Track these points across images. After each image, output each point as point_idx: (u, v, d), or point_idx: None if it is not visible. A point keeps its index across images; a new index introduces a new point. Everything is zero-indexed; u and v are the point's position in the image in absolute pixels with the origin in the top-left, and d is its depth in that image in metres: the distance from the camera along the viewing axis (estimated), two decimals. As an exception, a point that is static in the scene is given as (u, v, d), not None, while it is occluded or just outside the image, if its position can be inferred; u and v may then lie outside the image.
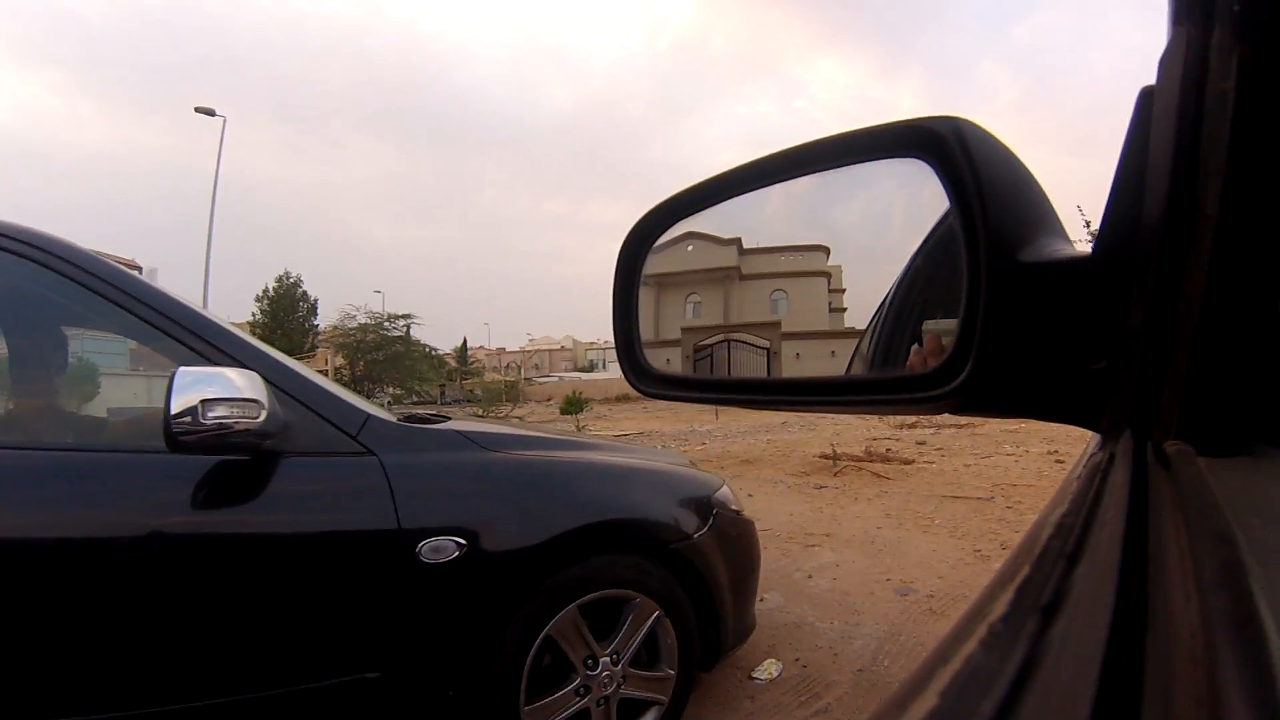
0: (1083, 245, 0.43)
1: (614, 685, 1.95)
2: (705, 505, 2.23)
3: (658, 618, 2.01)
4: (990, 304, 0.40)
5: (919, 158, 0.49)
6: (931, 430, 10.56)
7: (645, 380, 0.74)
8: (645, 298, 0.84)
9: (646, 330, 0.84)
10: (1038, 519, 0.56)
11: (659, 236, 0.72)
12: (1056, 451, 7.55)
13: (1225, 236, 0.32)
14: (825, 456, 7.61)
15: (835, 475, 6.83)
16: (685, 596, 2.06)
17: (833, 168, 0.57)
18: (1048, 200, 0.46)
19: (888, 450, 7.71)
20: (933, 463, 7.34)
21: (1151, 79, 0.39)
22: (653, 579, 2.00)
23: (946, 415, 0.54)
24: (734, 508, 2.37)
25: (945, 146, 0.45)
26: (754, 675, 2.55)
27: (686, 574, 2.07)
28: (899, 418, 10.01)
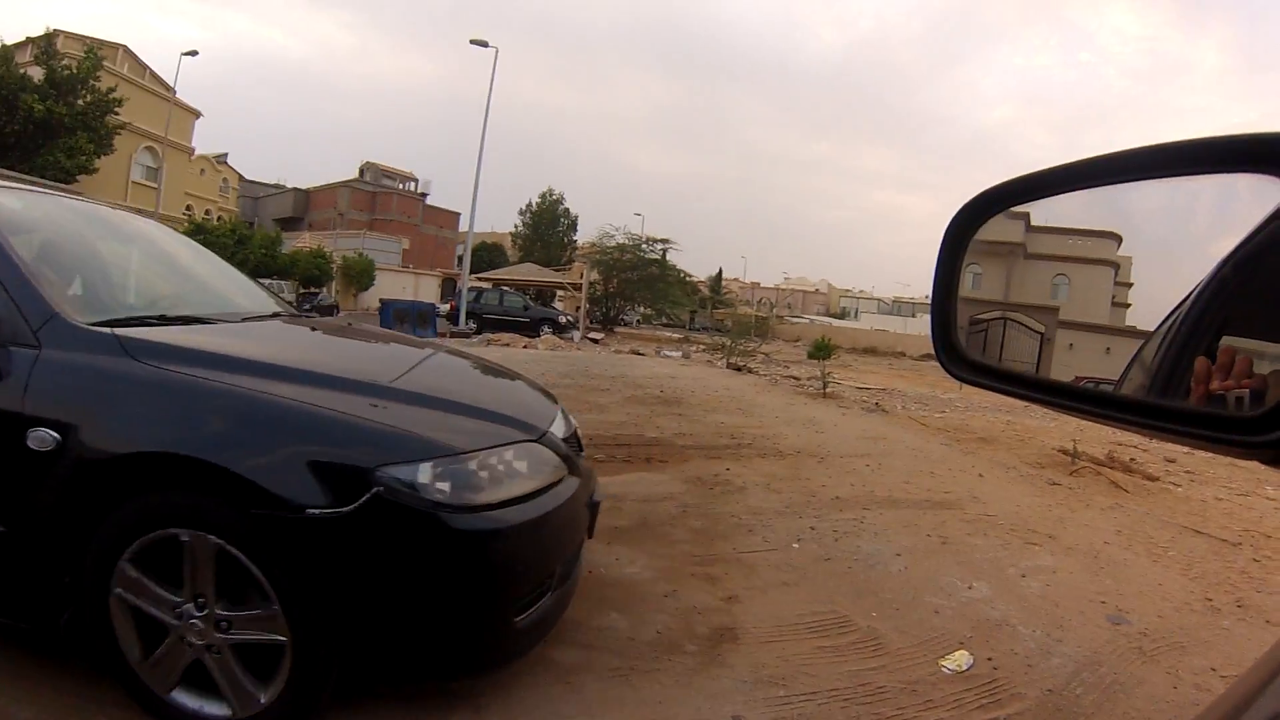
0: None
1: (213, 629, 1.70)
2: (354, 477, 1.66)
3: (221, 547, 1.66)
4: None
5: (1274, 175, 0.47)
6: (1184, 449, 8.78)
7: (957, 364, 0.75)
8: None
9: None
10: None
11: (985, 221, 0.73)
12: (1328, 508, 5.90)
13: None
14: (1064, 452, 6.76)
15: (1071, 474, 6.09)
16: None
17: (1171, 177, 0.55)
18: None
19: (1131, 459, 6.62)
20: (1179, 485, 6.20)
21: None
22: (209, 510, 1.69)
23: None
24: (440, 499, 1.70)
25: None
26: (943, 663, 2.48)
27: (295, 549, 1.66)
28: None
